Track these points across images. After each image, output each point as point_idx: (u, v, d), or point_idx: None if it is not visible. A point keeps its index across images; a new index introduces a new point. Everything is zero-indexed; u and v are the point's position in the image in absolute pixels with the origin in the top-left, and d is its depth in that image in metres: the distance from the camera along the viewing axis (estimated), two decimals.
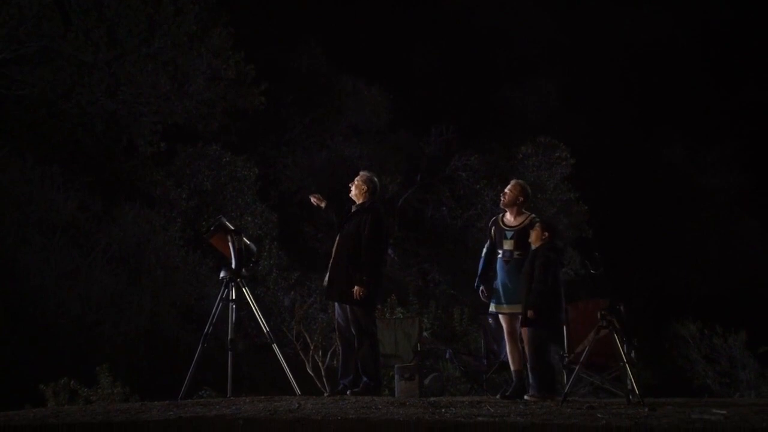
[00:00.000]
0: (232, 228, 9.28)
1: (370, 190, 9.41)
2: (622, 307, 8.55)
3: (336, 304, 9.29)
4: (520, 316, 8.74)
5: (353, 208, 9.38)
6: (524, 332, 8.70)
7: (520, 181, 9.29)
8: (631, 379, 8.30)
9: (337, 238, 9.33)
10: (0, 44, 15.49)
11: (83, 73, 16.30)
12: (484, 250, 9.17)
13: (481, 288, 9.09)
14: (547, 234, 8.76)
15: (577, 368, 8.43)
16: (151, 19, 16.56)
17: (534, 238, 8.77)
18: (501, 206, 9.21)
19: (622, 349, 8.35)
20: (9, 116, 16.02)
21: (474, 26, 23.13)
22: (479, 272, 9.15)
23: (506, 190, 9.19)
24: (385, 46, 21.97)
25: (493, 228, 9.14)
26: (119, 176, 17.32)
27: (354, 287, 8.92)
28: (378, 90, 21.10)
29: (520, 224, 8.99)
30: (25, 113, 16.28)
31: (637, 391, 8.21)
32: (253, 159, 18.36)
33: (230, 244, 9.14)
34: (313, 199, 9.59)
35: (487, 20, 23.13)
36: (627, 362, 8.31)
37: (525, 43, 23.68)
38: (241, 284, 9.05)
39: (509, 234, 8.99)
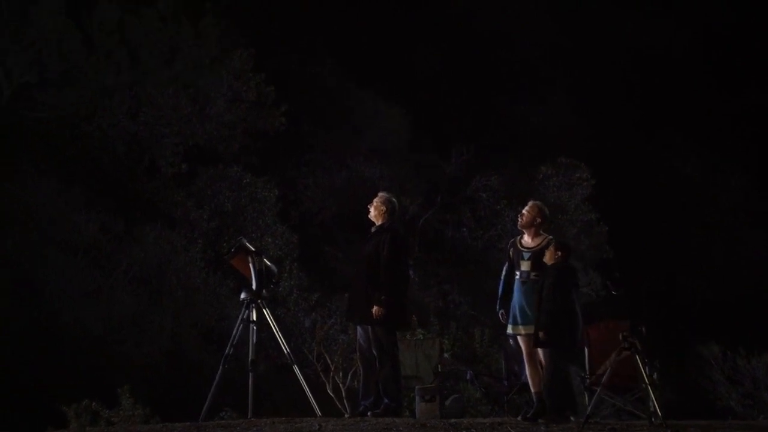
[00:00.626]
0: (253, 249, 9.30)
1: (389, 211, 9.42)
2: (643, 329, 8.52)
3: (358, 325, 9.30)
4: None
5: (373, 229, 9.39)
6: (542, 353, 8.68)
7: (537, 202, 9.30)
8: (653, 401, 8.26)
9: (357, 258, 9.34)
10: (23, 68, 15.62)
11: (105, 95, 16.42)
12: (504, 272, 9.18)
13: (501, 310, 9.09)
14: (560, 254, 8.75)
15: (598, 390, 8.39)
16: (172, 42, 16.68)
17: (548, 258, 8.77)
18: (519, 227, 9.21)
19: (644, 371, 8.31)
20: (32, 139, 16.14)
21: (492, 48, 23.14)
22: (500, 294, 9.15)
23: (524, 211, 9.20)
24: (405, 66, 22.01)
25: (512, 249, 9.16)
26: (141, 197, 17.40)
27: (374, 307, 8.92)
28: (398, 110, 21.14)
29: (537, 245, 8.99)
30: (48, 135, 16.40)
31: (659, 413, 8.17)
32: (273, 180, 18.40)
33: (251, 265, 9.16)
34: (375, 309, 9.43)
35: (504, 38, 23.15)
36: (649, 384, 8.27)
37: (544, 61, 23.68)
38: (261, 305, 9.07)
39: (526, 255, 9.00)
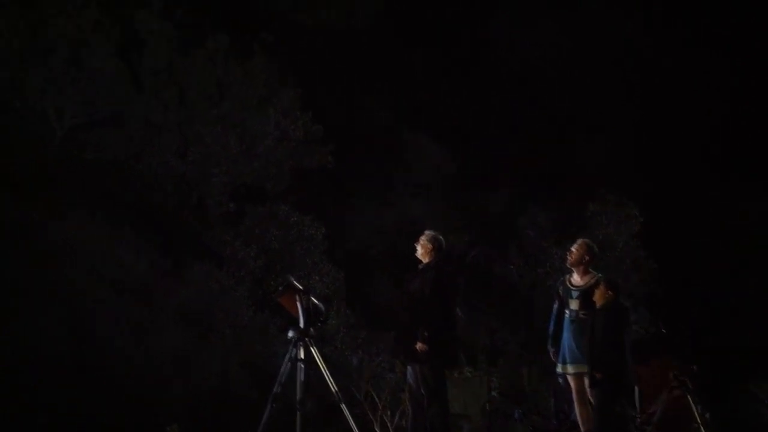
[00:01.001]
0: (301, 287, 9.32)
1: (436, 249, 9.45)
2: (695, 367, 8.42)
3: (405, 363, 9.27)
4: (586, 377, 8.65)
5: (419, 267, 9.39)
6: (592, 392, 8.60)
7: (586, 240, 9.27)
8: None
9: (404, 296, 9.34)
10: (75, 109, 15.92)
11: (154, 134, 16.64)
12: (554, 310, 9.13)
13: (552, 348, 9.03)
14: (611, 293, 8.69)
15: (649, 429, 8.29)
16: (220, 81, 16.89)
17: (598, 297, 8.71)
18: (567, 265, 9.17)
19: (696, 410, 8.20)
20: (82, 178, 16.35)
21: (538, 85, 23.10)
22: (550, 332, 9.11)
23: (572, 249, 9.17)
24: (450, 103, 22.04)
25: (561, 288, 9.12)
26: (189, 236, 17.52)
27: (419, 345, 8.90)
28: (444, 147, 21.16)
29: (586, 284, 8.95)
30: (98, 175, 16.61)
31: None
32: (320, 218, 18.47)
33: (298, 303, 9.17)
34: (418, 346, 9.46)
35: (550, 77, 23.11)
36: (701, 424, 8.16)
37: (592, 98, 23.56)
38: (309, 343, 9.06)
39: (575, 294, 8.97)
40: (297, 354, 9.06)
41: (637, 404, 8.93)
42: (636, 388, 8.89)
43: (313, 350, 9.07)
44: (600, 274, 8.90)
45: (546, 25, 22.80)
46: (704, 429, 8.10)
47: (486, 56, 23.04)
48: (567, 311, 8.80)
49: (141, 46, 16.65)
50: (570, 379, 8.79)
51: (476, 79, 22.92)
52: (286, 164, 18.01)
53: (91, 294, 14.69)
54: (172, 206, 17.30)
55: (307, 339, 9.09)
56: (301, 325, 9.12)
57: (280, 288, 9.46)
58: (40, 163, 15.98)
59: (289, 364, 9.03)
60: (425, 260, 9.30)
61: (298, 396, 9.03)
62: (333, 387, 9.10)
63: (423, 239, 9.46)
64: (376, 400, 12.69)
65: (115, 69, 16.18)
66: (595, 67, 23.73)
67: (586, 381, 8.52)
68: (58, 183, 16.06)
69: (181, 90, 16.71)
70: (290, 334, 9.17)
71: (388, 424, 12.51)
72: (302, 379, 9.07)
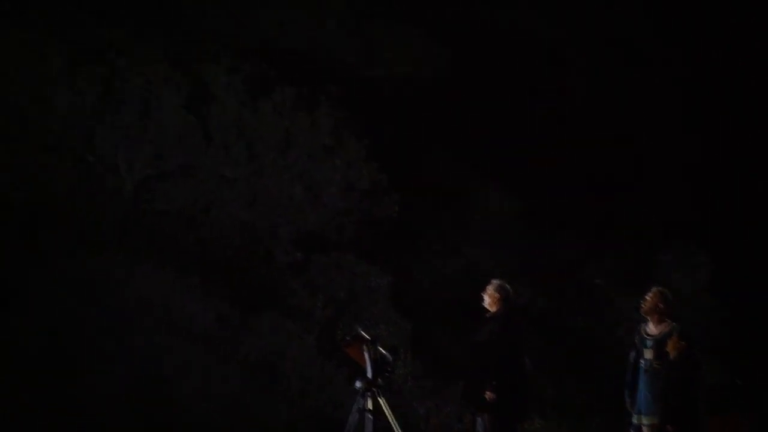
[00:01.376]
0: (368, 337, 9.32)
1: (503, 298, 9.43)
2: None
3: (473, 413, 9.21)
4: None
5: (486, 316, 9.36)
6: None
7: (660, 288, 9.17)
8: None
9: (472, 346, 9.30)
10: (145, 162, 16.21)
11: (222, 185, 16.85)
12: (630, 359, 9.04)
13: (628, 399, 8.93)
14: (684, 343, 8.56)
15: None
16: (287, 132, 17.09)
17: (671, 347, 8.60)
18: (642, 314, 9.08)
19: None
20: (151, 230, 16.58)
21: (603, 137, 22.95)
22: (626, 382, 9.00)
23: (646, 297, 9.08)
24: (516, 151, 21.97)
25: (637, 336, 9.03)
26: (256, 286, 17.62)
27: (486, 394, 8.85)
28: (510, 195, 21.10)
29: (660, 333, 8.85)
30: (167, 227, 16.84)
31: None
32: (386, 267, 18.47)
33: (365, 353, 9.17)
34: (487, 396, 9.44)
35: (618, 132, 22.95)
36: None
37: (659, 147, 23.35)
38: (376, 394, 9.04)
39: (649, 343, 8.87)
40: (365, 404, 9.04)
41: None
42: None
43: (380, 400, 9.04)
44: (675, 324, 8.79)
45: (616, 77, 22.73)
46: None
47: (555, 106, 22.98)
48: (642, 360, 8.70)
49: (210, 99, 16.93)
50: (645, 430, 8.66)
51: (540, 128, 22.85)
52: (352, 214, 18.08)
53: (160, 342, 14.82)
54: (239, 256, 17.44)
55: (374, 389, 9.07)
56: (369, 375, 9.11)
57: (347, 338, 9.48)
58: (111, 215, 16.26)
59: (357, 414, 9.01)
60: (492, 309, 9.28)
61: None
62: None
63: (490, 288, 9.44)
64: None
65: (185, 121, 16.47)
66: (662, 116, 23.56)
67: None
68: (129, 234, 16.31)
69: (248, 141, 16.93)
70: (358, 384, 9.16)
71: None
72: (370, 430, 9.04)
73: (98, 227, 15.93)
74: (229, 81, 16.97)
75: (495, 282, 9.62)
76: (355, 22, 20.63)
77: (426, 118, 21.37)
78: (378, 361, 9.10)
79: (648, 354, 8.68)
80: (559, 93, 22.65)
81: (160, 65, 16.64)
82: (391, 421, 9.02)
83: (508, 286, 9.58)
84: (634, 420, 8.74)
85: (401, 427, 9.37)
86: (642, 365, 8.73)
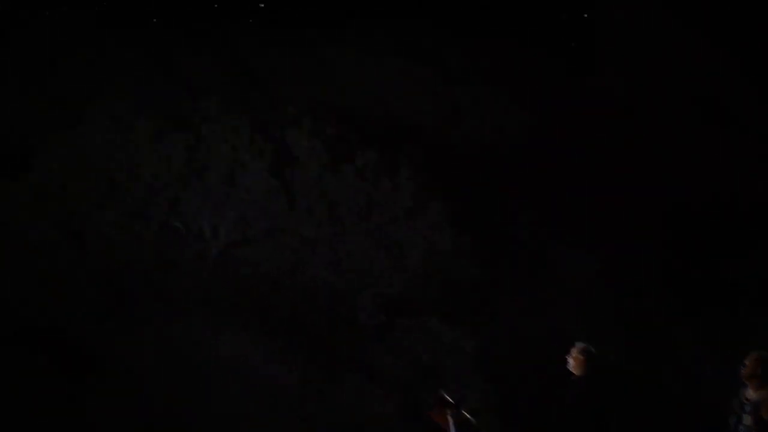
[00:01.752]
0: (452, 401, 9.25)
1: (588, 361, 9.28)
2: None
3: None
4: None
5: (571, 379, 9.24)
6: None
7: (760, 353, 8.97)
8: None
9: (557, 410, 9.16)
10: (229, 226, 16.42)
11: (306, 249, 16.96)
12: (730, 425, 8.85)
13: None
14: None
15: None
16: (369, 195, 17.18)
17: (764, 412, 8.38)
18: (742, 379, 8.89)
19: None
20: (235, 294, 16.73)
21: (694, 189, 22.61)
22: None
23: (745, 363, 8.89)
24: (598, 210, 21.75)
25: (735, 401, 8.86)
26: (340, 349, 17.62)
27: None
28: (595, 256, 20.83)
29: (759, 398, 8.64)
30: (251, 290, 16.97)
31: None
32: (469, 330, 18.34)
33: (449, 417, 9.11)
34: None
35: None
36: None
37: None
38: None
39: (747, 408, 8.69)
40: None
41: None
42: None
43: None
44: None
45: (701, 136, 22.46)
46: None
47: (638, 167, 22.73)
48: (741, 426, 8.53)
49: (293, 163, 17.14)
50: None
51: (628, 189, 22.60)
52: (435, 277, 18.03)
53: (243, 407, 14.87)
54: (322, 318, 17.48)
55: None
56: None
57: (431, 402, 9.41)
58: (196, 279, 16.46)
59: None
60: (577, 373, 9.14)
61: None
62: None
63: (575, 351, 9.32)
64: None
65: (268, 186, 16.69)
66: (751, 175, 23.13)
67: None
68: (213, 297, 16.48)
69: (331, 204, 17.07)
70: None
71: None
72: None
73: (183, 291, 16.13)
74: (311, 145, 17.16)
75: (580, 345, 9.50)
76: (437, 85, 20.77)
77: (508, 180, 21.30)
78: (462, 426, 9.02)
79: (747, 420, 8.48)
80: (642, 154, 22.43)
81: (244, 131, 16.93)
82: None
83: (593, 349, 9.44)
84: None
85: None
86: (741, 431, 8.54)
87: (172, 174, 16.71)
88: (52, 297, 15.77)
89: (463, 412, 9.14)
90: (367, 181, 17.28)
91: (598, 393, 9.06)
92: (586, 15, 22.69)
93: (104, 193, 16.63)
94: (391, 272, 17.47)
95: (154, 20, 20.63)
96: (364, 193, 17.22)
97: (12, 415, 13.88)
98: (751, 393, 8.63)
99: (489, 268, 18.92)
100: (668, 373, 19.82)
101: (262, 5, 22.03)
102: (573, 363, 9.22)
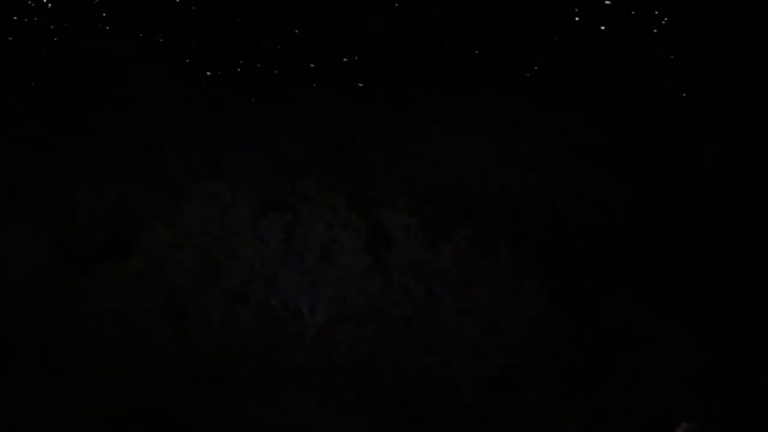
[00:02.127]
0: None
1: None
2: None
3: None
4: None
5: None
6: None
7: (689, 424, 8.71)
8: None
9: None
10: (326, 305, 16.53)
11: (403, 329, 16.94)
12: None
13: None
14: None
15: None
16: (465, 273, 17.13)
17: None
18: None
19: None
20: (332, 372, 16.75)
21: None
22: None
23: None
24: (697, 283, 21.29)
25: None
26: (439, 427, 17.47)
27: None
28: (696, 331, 20.34)
29: None
30: (352, 370, 16.97)
31: None
32: (570, 407, 18.03)
33: None
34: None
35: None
36: None
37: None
38: None
39: None
40: None
41: None
42: None
43: None
44: None
45: None
46: None
47: (740, 240, 22.27)
48: None
49: (389, 242, 17.22)
50: None
51: (731, 263, 22.13)
52: (535, 354, 17.81)
53: None
54: (419, 398, 17.36)
55: None
56: None
57: None
58: (294, 358, 16.55)
59: None
60: None
61: None
62: None
63: (680, 431, 9.09)
64: None
65: (364, 264, 16.77)
66: None
67: None
68: (313, 379, 16.52)
69: (427, 282, 17.05)
70: None
71: None
72: None
73: (282, 370, 16.22)
74: (407, 223, 17.24)
75: (684, 425, 9.28)
76: (532, 161, 20.78)
77: (606, 256, 21.05)
78: None
79: None
80: (741, 226, 22.01)
81: (340, 210, 17.10)
82: None
83: (697, 427, 9.19)
84: None
85: None
86: None
87: (270, 253, 16.91)
88: (153, 376, 16.00)
89: None
90: (463, 258, 17.24)
91: None
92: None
93: (204, 274, 16.89)
94: (489, 350, 17.31)
95: (252, 100, 21.19)
96: (460, 270, 17.17)
97: None
98: None
99: (588, 343, 18.63)
100: None
101: (361, 85, 22.45)
102: None
